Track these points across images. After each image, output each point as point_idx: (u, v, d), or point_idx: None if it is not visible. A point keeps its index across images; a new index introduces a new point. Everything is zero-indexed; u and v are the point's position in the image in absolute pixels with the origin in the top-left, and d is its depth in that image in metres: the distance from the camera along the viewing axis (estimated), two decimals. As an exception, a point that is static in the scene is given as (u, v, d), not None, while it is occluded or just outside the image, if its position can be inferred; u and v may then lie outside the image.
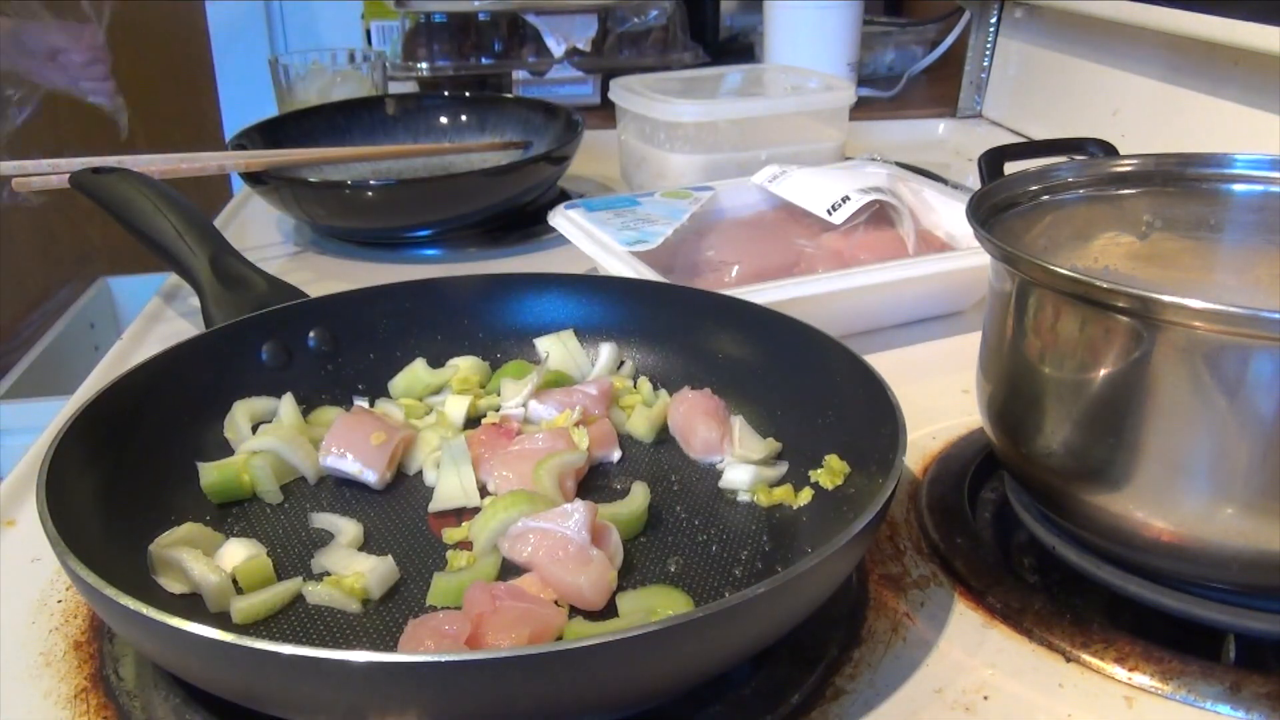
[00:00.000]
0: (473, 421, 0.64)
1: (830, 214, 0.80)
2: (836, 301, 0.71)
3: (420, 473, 0.59)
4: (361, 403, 0.65)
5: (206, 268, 0.70)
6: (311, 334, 0.66)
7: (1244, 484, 0.43)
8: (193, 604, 0.48)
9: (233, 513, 0.56)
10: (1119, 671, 0.45)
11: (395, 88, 1.41)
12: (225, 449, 0.59)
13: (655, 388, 0.66)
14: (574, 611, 0.48)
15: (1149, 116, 1.05)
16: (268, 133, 1.07)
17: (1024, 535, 0.55)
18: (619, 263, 0.74)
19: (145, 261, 0.75)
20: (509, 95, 1.34)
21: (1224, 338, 0.41)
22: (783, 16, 1.33)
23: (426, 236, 0.98)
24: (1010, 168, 0.61)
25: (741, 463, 0.58)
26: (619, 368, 0.68)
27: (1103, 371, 0.45)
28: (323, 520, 0.55)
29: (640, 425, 0.63)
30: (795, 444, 0.60)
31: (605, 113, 1.17)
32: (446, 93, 1.19)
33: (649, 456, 0.62)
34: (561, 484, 0.56)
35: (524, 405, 0.63)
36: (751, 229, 0.85)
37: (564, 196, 1.11)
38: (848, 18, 1.32)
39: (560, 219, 0.83)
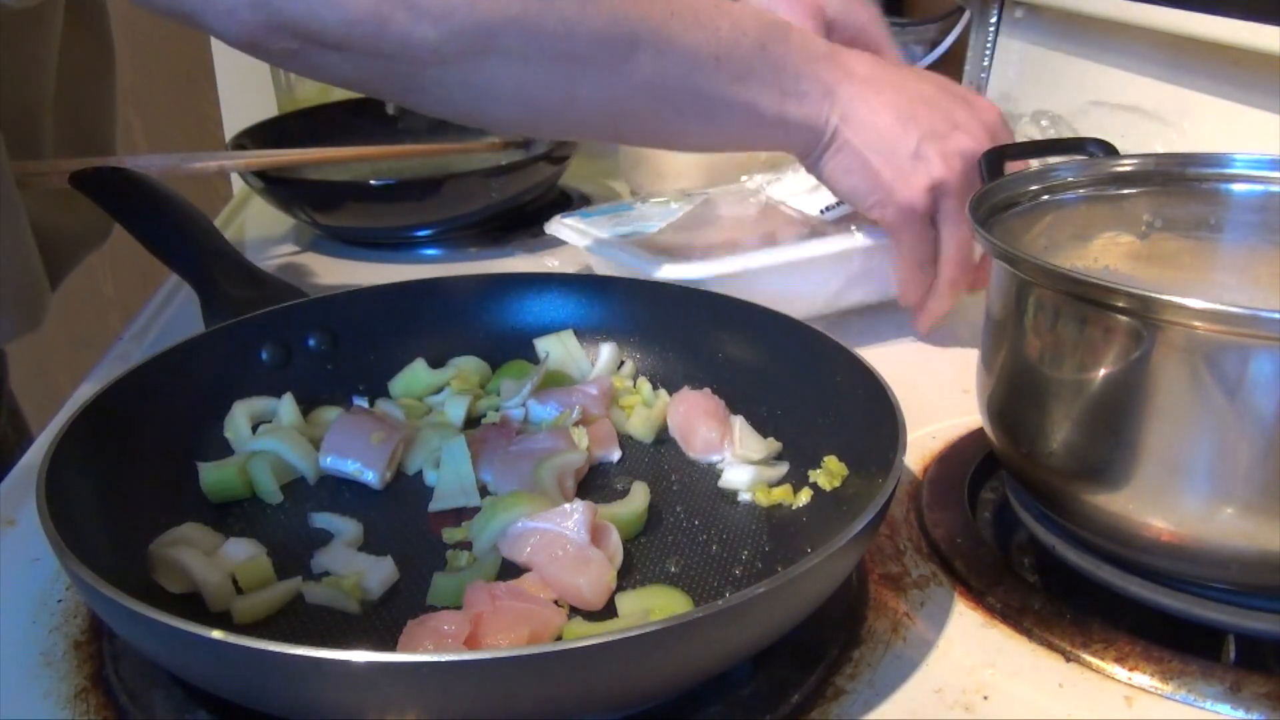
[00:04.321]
0: (473, 421, 0.64)
1: (824, 214, 0.80)
2: (773, 277, 0.72)
3: (420, 473, 0.59)
4: (361, 403, 0.65)
5: (206, 268, 0.70)
6: (311, 334, 0.66)
7: (1244, 484, 0.43)
8: (193, 604, 0.48)
9: (233, 513, 0.56)
10: (1119, 671, 0.45)
11: (395, 88, 1.41)
12: (225, 449, 0.59)
13: (655, 388, 0.66)
14: (574, 611, 0.48)
15: (1149, 116, 1.05)
16: (268, 133, 1.07)
17: (1024, 535, 0.55)
18: (612, 249, 0.74)
19: (145, 261, 0.75)
20: (509, 95, 1.34)
21: (1224, 338, 0.41)
22: (783, 16, 1.33)
23: (426, 236, 0.98)
24: (1010, 168, 0.61)
25: (741, 463, 0.58)
26: (619, 368, 0.68)
27: (1103, 371, 0.45)
28: (323, 520, 0.55)
29: (640, 425, 0.63)
30: (795, 444, 0.60)
31: (605, 113, 1.16)
32: (447, 93, 1.19)
33: (649, 456, 0.62)
34: (561, 484, 0.56)
35: (524, 405, 0.63)
36: (744, 230, 0.85)
37: (564, 196, 1.11)
38: (848, 18, 1.32)
39: (557, 226, 0.84)
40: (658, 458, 0.62)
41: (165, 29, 2.35)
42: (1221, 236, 0.57)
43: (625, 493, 0.56)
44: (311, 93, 1.24)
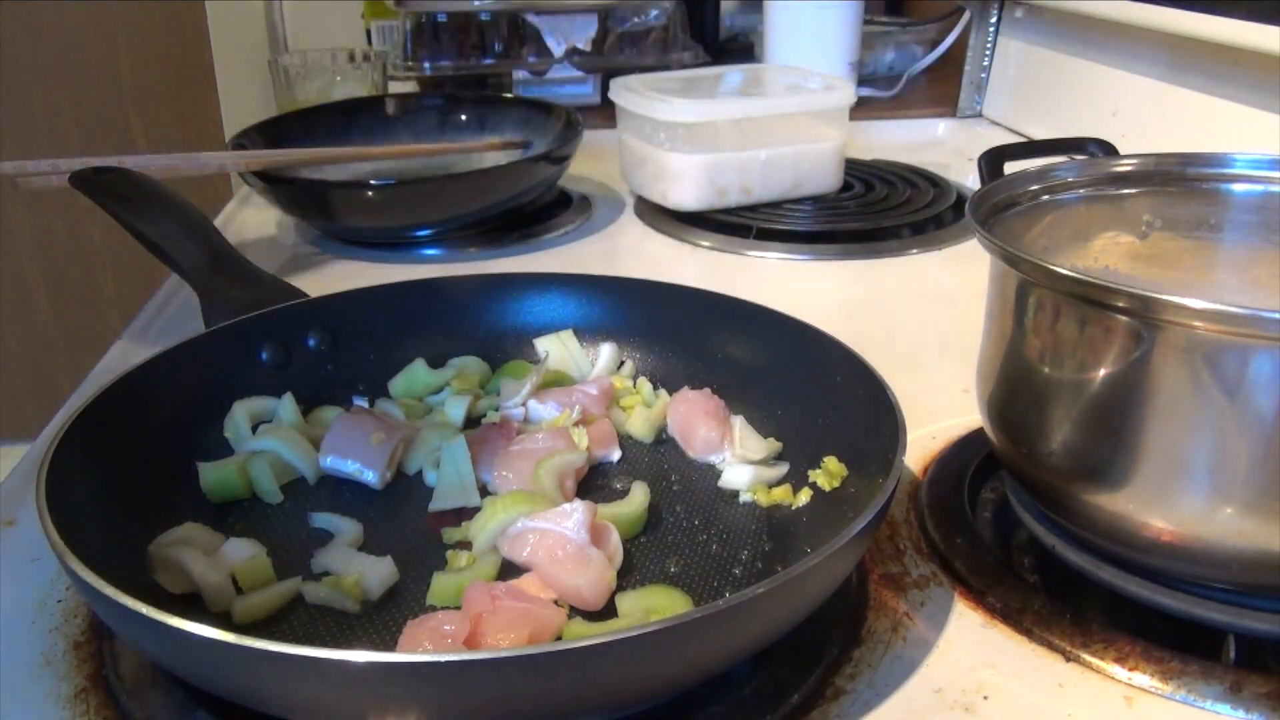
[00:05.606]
0: (473, 421, 0.64)
1: None
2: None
3: (420, 473, 0.59)
4: (361, 403, 0.65)
5: (206, 268, 0.70)
6: (311, 334, 0.66)
7: (1244, 484, 0.43)
8: (193, 604, 0.48)
9: (233, 513, 0.56)
10: (1119, 671, 0.45)
11: (395, 88, 1.41)
12: (225, 449, 0.59)
13: (655, 388, 0.66)
14: (574, 611, 0.48)
15: (1149, 116, 1.05)
16: (268, 133, 1.07)
17: (1024, 535, 0.55)
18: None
19: (145, 261, 0.75)
20: (509, 95, 1.35)
21: (1224, 338, 0.41)
22: (783, 16, 1.33)
23: (426, 236, 0.98)
24: (1010, 168, 0.61)
25: (741, 463, 0.58)
26: (619, 368, 0.68)
27: (1103, 371, 0.45)
28: (323, 520, 0.55)
29: (640, 425, 0.63)
30: (795, 444, 0.60)
31: (605, 113, 1.17)
32: (446, 93, 1.19)
33: (649, 456, 0.62)
34: (561, 484, 0.56)
35: (524, 405, 0.63)
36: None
37: (564, 196, 1.11)
38: (848, 18, 1.32)
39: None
40: (658, 458, 0.62)
41: (165, 29, 2.35)
42: (1221, 236, 0.57)
43: (625, 493, 0.56)
44: (311, 93, 1.24)
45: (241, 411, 0.61)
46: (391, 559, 0.51)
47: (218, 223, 1.02)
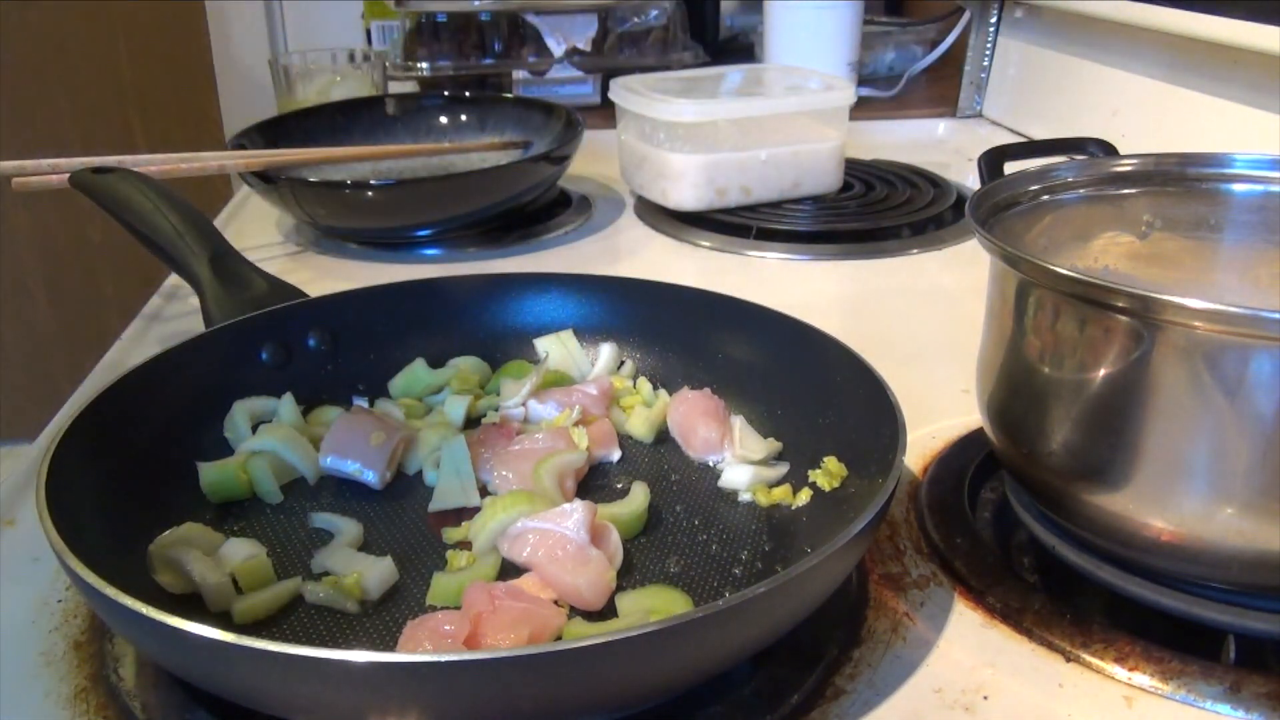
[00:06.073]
0: (473, 421, 0.64)
1: None
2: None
3: (420, 473, 0.59)
4: (361, 403, 0.65)
5: (206, 268, 0.70)
6: (311, 334, 0.66)
7: (1244, 484, 0.43)
8: (193, 604, 0.48)
9: (233, 513, 0.56)
10: (1119, 671, 0.45)
11: (395, 88, 1.41)
12: (225, 449, 0.59)
13: (655, 388, 0.66)
14: (574, 611, 0.48)
15: (1149, 116, 1.05)
16: (268, 133, 1.07)
17: (1024, 535, 0.55)
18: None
19: (145, 261, 0.75)
20: (509, 95, 1.35)
21: (1224, 338, 0.41)
22: (783, 16, 1.33)
23: (426, 236, 0.98)
24: (1010, 168, 0.61)
25: (741, 463, 0.58)
26: (619, 368, 0.68)
27: (1103, 371, 0.45)
28: (323, 520, 0.55)
29: (640, 425, 0.63)
30: (795, 444, 0.60)
31: (605, 113, 1.17)
32: (446, 93, 1.19)
33: (649, 456, 0.62)
34: (561, 484, 0.56)
35: (524, 405, 0.63)
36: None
37: (564, 196, 1.11)
38: (848, 18, 1.32)
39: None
40: (658, 458, 0.62)
41: (165, 29, 2.35)
42: (1221, 236, 0.57)
43: (625, 493, 0.56)
44: (311, 93, 1.24)
45: (241, 411, 0.60)
46: (391, 559, 0.51)
47: (218, 223, 1.02)
